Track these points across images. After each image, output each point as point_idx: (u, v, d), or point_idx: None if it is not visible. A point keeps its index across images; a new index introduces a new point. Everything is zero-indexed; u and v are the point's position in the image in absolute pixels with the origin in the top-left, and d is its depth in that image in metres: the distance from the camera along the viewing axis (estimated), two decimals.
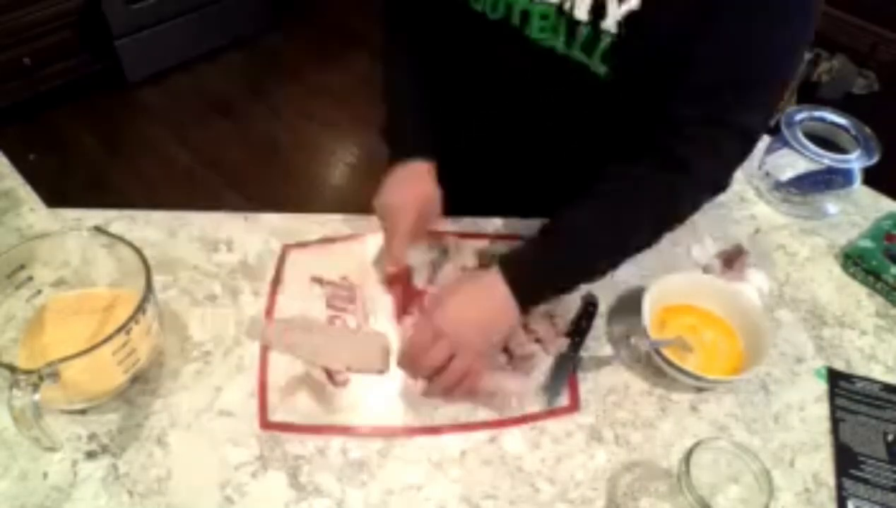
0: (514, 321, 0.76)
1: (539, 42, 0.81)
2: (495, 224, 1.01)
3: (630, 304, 0.92)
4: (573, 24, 0.77)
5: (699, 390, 0.83)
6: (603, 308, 0.91)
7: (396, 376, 0.82)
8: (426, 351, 0.72)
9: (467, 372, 0.74)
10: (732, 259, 0.97)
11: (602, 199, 0.79)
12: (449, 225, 0.99)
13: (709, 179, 0.80)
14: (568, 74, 0.81)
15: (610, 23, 0.75)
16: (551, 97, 0.87)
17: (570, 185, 0.79)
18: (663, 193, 0.79)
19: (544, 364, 0.84)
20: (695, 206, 0.81)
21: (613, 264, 0.83)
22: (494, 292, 0.75)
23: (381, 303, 0.90)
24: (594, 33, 0.77)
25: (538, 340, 0.85)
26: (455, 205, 0.95)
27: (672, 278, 0.89)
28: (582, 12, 0.76)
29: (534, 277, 0.77)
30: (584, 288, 0.92)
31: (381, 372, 0.77)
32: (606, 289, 0.93)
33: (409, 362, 0.75)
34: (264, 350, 0.83)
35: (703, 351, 0.84)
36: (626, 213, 0.79)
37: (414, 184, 0.88)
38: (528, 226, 0.96)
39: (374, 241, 0.96)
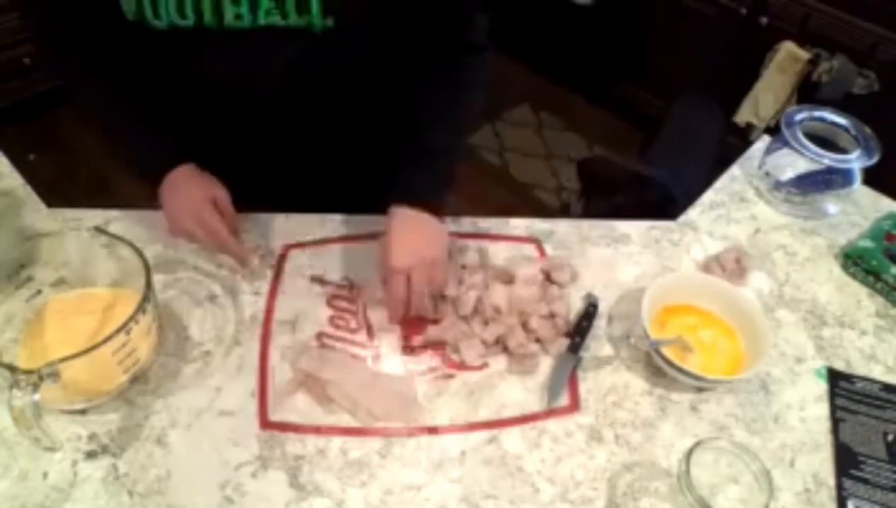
0: (443, 231, 0.88)
1: (241, 29, 0.79)
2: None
3: (630, 304, 0.92)
4: None
5: (699, 390, 0.83)
6: (603, 308, 0.91)
7: (395, 375, 0.82)
8: (396, 295, 0.83)
9: (429, 280, 0.84)
10: (731, 260, 0.97)
11: (437, 105, 0.92)
12: (449, 225, 0.99)
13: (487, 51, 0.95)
14: (293, 42, 0.82)
15: None
16: (283, 72, 0.86)
17: (359, 152, 0.91)
18: (474, 75, 0.95)
19: (544, 364, 0.84)
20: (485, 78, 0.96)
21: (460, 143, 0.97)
22: (417, 222, 0.86)
23: (381, 302, 0.89)
24: None
25: (538, 340, 0.85)
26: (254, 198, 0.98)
27: (672, 278, 0.89)
28: None
29: (433, 195, 0.89)
30: (584, 290, 0.92)
31: (409, 422, 0.78)
32: (607, 290, 0.93)
33: (395, 311, 0.85)
34: (264, 349, 0.83)
35: (703, 351, 0.84)
36: (461, 108, 0.95)
37: (194, 189, 0.88)
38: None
39: (374, 241, 0.96)
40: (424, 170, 0.90)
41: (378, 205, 0.90)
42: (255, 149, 0.97)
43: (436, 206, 0.88)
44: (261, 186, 0.99)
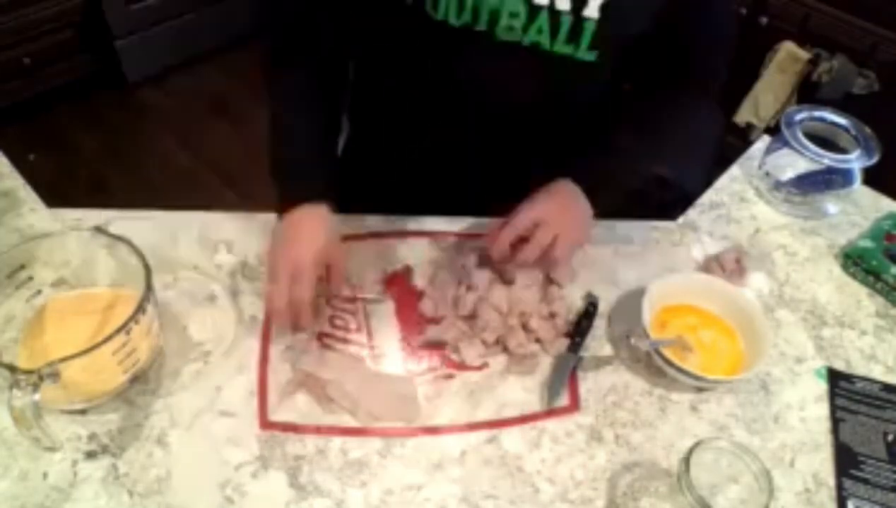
0: (590, 220, 0.87)
1: (506, 41, 0.80)
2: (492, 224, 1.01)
3: (630, 304, 0.92)
4: (554, 15, 0.77)
5: (699, 390, 0.83)
6: (603, 307, 0.91)
7: (395, 375, 0.82)
8: (526, 230, 0.82)
9: (553, 245, 0.83)
10: (731, 260, 0.97)
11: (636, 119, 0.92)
12: (449, 225, 0.99)
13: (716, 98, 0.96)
14: (550, 68, 0.82)
15: (592, 9, 0.76)
16: (529, 94, 0.87)
17: (548, 174, 0.87)
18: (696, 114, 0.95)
19: (545, 364, 0.84)
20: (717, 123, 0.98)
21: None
22: (576, 200, 0.86)
23: (380, 303, 0.89)
24: (577, 21, 0.77)
25: (538, 340, 0.85)
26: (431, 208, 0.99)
27: (672, 278, 0.89)
28: (564, 3, 0.77)
29: (599, 186, 0.88)
30: (584, 290, 0.92)
31: (409, 421, 0.78)
32: (607, 290, 0.93)
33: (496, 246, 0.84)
34: (264, 349, 0.83)
35: (703, 351, 0.84)
36: (662, 128, 0.93)
37: (312, 237, 0.81)
38: None
39: (371, 240, 0.96)
40: (605, 164, 0.90)
41: None
42: (451, 158, 0.97)
43: (597, 195, 0.87)
44: (431, 194, 1.00)
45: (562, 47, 0.80)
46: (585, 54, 0.80)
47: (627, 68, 0.90)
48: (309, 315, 0.80)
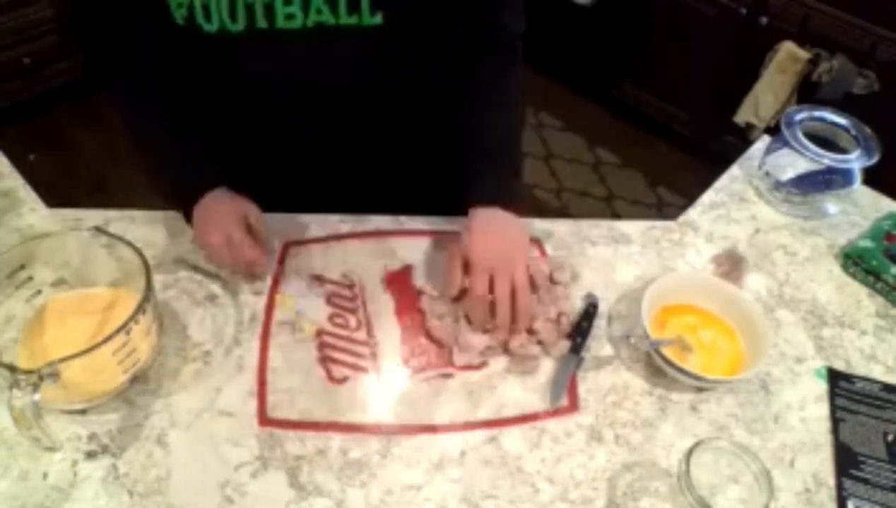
0: (524, 228, 0.89)
1: (290, 30, 0.79)
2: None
3: (630, 304, 0.92)
4: None
5: (699, 390, 0.83)
6: (603, 307, 0.91)
7: (395, 375, 0.82)
8: (479, 293, 0.82)
9: (514, 290, 0.82)
10: (730, 261, 0.97)
11: (494, 102, 0.94)
12: (450, 224, 0.99)
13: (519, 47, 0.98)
14: (343, 40, 0.82)
15: None
16: (335, 72, 0.86)
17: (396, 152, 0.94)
18: (516, 77, 0.97)
19: (545, 364, 0.84)
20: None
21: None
22: (496, 221, 0.87)
23: (382, 301, 0.90)
24: None
25: (540, 342, 0.85)
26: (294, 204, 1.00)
27: (672, 277, 0.89)
28: None
29: (508, 190, 0.90)
30: (584, 290, 0.92)
31: None
32: (607, 289, 0.93)
33: (477, 311, 0.84)
34: (264, 348, 0.83)
35: (703, 351, 0.84)
36: (515, 108, 0.97)
37: (227, 206, 0.88)
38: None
39: (372, 239, 0.96)
40: (494, 164, 0.91)
41: (422, 206, 0.94)
42: (299, 150, 0.97)
43: (514, 203, 0.88)
44: (300, 189, 1.00)
45: (346, 19, 0.80)
46: (371, 20, 0.80)
47: (433, 30, 0.89)
48: (258, 263, 0.88)
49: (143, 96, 0.93)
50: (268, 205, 0.92)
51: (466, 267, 0.85)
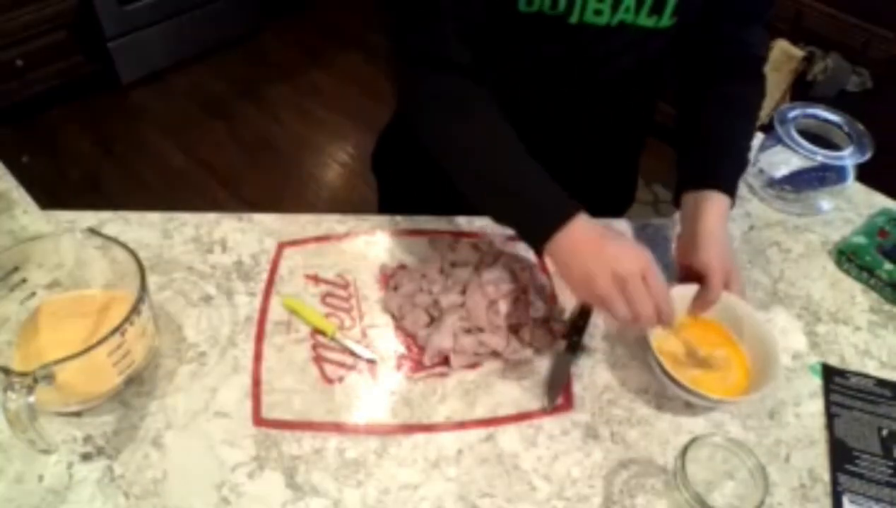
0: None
1: (592, 24, 0.82)
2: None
3: None
4: None
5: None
6: None
7: (391, 375, 0.82)
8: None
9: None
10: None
11: (744, 116, 0.94)
12: (446, 224, 0.99)
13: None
14: (626, 39, 0.84)
15: None
16: (605, 68, 0.89)
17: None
18: (761, 94, 0.97)
19: (539, 365, 0.84)
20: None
21: None
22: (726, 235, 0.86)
23: (376, 301, 0.90)
24: None
25: (532, 345, 0.84)
26: None
27: (674, 291, 0.83)
28: None
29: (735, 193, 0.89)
30: None
31: None
32: None
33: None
34: (259, 347, 0.83)
35: (710, 368, 0.82)
36: (749, 118, 0.95)
37: (630, 254, 0.75)
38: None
39: (367, 239, 0.96)
40: (729, 153, 0.91)
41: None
42: (556, 150, 0.91)
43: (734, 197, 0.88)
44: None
45: (645, 20, 0.82)
46: (667, 21, 0.82)
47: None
48: (669, 305, 0.75)
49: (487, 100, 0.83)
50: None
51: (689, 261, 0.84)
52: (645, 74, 0.93)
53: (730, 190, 0.88)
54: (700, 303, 0.84)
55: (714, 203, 0.86)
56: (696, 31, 0.90)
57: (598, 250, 0.74)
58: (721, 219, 0.86)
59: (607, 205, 1.00)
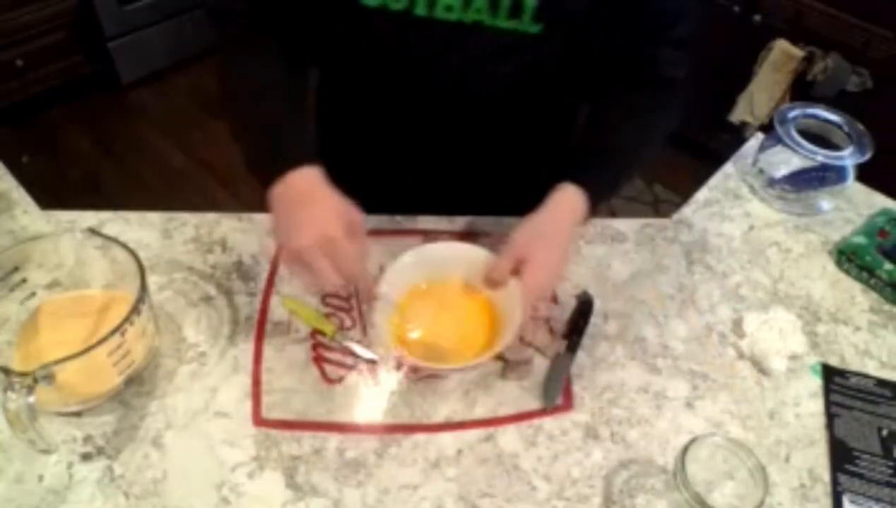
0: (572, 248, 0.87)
1: (448, 21, 0.79)
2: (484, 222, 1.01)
3: (625, 302, 0.92)
4: None
5: (694, 387, 0.83)
6: (597, 305, 0.91)
7: (391, 375, 0.82)
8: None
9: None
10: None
11: (629, 126, 0.90)
12: (447, 224, 0.99)
13: (684, 92, 0.93)
14: (494, 43, 0.81)
15: None
16: (478, 73, 0.85)
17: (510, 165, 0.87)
18: (664, 113, 0.92)
19: (541, 364, 0.84)
20: (679, 117, 0.94)
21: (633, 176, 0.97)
22: (567, 229, 0.82)
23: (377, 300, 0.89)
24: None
25: (531, 344, 0.85)
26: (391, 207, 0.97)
27: (404, 259, 0.82)
28: None
29: (599, 197, 0.84)
30: (578, 288, 0.92)
31: None
32: (601, 287, 0.93)
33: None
34: (258, 347, 0.83)
35: (458, 332, 0.81)
36: (649, 135, 0.91)
37: (330, 205, 0.73)
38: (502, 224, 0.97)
39: (370, 239, 0.96)
40: (604, 159, 0.88)
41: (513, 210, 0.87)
42: (412, 147, 0.95)
43: (597, 204, 0.83)
44: (402, 189, 0.99)
45: (505, 22, 0.79)
46: (530, 26, 0.79)
47: (584, 54, 0.87)
48: (364, 277, 0.74)
49: (267, 68, 0.84)
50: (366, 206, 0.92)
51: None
52: (536, 83, 0.89)
53: (588, 186, 0.82)
54: (486, 276, 0.81)
55: (562, 194, 0.82)
56: (602, 46, 0.87)
57: (289, 213, 0.73)
58: (558, 210, 0.81)
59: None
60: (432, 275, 0.85)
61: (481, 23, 0.80)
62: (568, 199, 0.82)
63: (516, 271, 0.78)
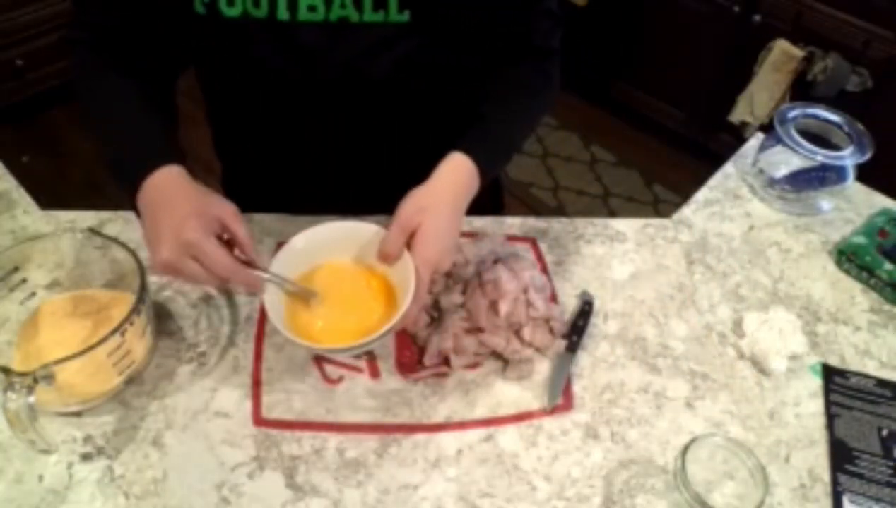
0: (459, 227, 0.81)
1: (314, 22, 0.78)
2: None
3: (625, 302, 0.92)
4: None
5: (694, 387, 0.83)
6: (598, 305, 0.91)
7: (391, 375, 0.82)
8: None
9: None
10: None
11: (512, 96, 0.91)
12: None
13: (560, 61, 0.97)
14: (366, 40, 0.80)
15: None
16: (356, 71, 0.84)
17: (405, 159, 0.84)
18: (547, 84, 0.96)
19: (540, 365, 0.84)
20: (558, 85, 0.98)
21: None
22: (455, 197, 0.80)
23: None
24: None
25: (532, 345, 0.85)
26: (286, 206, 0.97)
27: (293, 245, 0.79)
28: None
29: (488, 164, 0.83)
30: (579, 288, 0.93)
31: None
32: (602, 287, 0.93)
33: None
34: (259, 347, 0.83)
35: (356, 313, 0.78)
36: (532, 103, 0.94)
37: (180, 211, 0.70)
38: None
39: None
40: (488, 129, 0.86)
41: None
42: (306, 148, 0.94)
43: (487, 174, 0.82)
44: (299, 187, 0.98)
45: (372, 16, 0.78)
46: (398, 16, 0.78)
47: (460, 36, 0.86)
48: (246, 275, 0.71)
49: (115, 57, 0.85)
50: (259, 205, 0.91)
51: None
52: (416, 74, 0.86)
53: (474, 153, 0.81)
54: (379, 252, 0.78)
55: (449, 163, 0.81)
56: (474, 26, 0.85)
57: (152, 222, 0.72)
58: (446, 179, 0.80)
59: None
60: (325, 258, 0.81)
61: (347, 19, 0.78)
62: (455, 168, 0.81)
63: (410, 244, 0.76)
